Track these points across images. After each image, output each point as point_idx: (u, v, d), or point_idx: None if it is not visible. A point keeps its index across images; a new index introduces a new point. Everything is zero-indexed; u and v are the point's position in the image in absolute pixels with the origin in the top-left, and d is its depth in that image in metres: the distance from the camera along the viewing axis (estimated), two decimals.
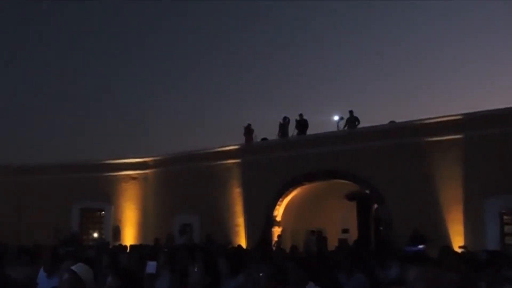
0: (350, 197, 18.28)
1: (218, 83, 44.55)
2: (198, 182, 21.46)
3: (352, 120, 19.33)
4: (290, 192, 19.75)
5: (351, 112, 19.60)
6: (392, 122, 18.32)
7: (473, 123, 15.65)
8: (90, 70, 43.50)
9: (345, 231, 18.83)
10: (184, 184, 21.91)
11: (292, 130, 21.03)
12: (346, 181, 18.17)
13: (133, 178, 24.09)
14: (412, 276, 2.88)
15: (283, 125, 21.17)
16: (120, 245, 18.21)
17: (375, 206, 18.13)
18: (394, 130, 17.54)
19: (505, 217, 14.82)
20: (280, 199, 19.75)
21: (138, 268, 8.32)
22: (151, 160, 23.86)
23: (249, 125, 22.23)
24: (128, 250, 14.43)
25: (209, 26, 44.52)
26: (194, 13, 43.50)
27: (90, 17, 42.21)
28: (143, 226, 23.28)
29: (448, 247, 13.35)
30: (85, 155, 39.99)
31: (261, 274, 5.03)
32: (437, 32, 38.39)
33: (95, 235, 23.83)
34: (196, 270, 6.97)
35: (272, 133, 21.79)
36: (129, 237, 22.98)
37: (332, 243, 18.04)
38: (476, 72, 36.27)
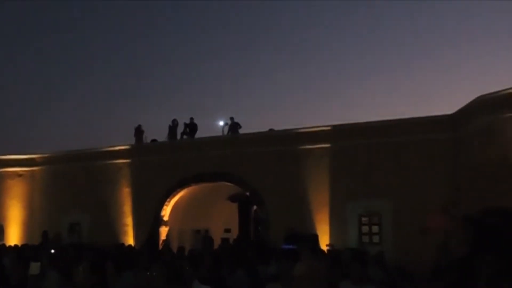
0: (233, 198, 19.48)
1: (111, 83, 44.54)
2: (88, 181, 21.65)
3: (233, 126, 20.67)
4: (178, 192, 20.56)
5: (232, 118, 20.98)
6: (271, 129, 19.81)
7: (340, 134, 17.46)
8: None
9: (227, 230, 19.99)
10: (73, 182, 21.95)
11: (180, 133, 21.96)
12: (229, 184, 19.39)
13: (19, 175, 23.58)
14: (299, 271, 3.18)
15: (172, 128, 22.00)
16: (4, 245, 18.02)
17: (255, 207, 19.51)
18: (272, 137, 18.99)
19: (363, 219, 16.82)
20: (168, 200, 20.50)
21: (21, 269, 8.72)
22: (39, 157, 23.49)
23: (139, 126, 22.70)
24: (12, 251, 14.49)
25: (105, 27, 44.33)
26: (87, 14, 43.10)
27: None
28: (29, 225, 22.84)
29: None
30: None
31: (154, 274, 5.09)
32: (311, 45, 41.84)
33: None
34: (81, 270, 7.41)
35: (161, 135, 22.59)
36: (13, 236, 22.53)
37: (216, 242, 19.17)
38: (344, 86, 40.27)
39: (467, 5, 37.02)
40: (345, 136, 17.31)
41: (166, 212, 20.64)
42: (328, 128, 17.75)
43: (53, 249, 14.16)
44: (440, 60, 39.53)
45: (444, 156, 15.80)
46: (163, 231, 20.38)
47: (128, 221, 20.92)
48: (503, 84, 16.68)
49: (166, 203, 20.53)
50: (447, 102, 40.35)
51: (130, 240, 20.27)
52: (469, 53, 37.89)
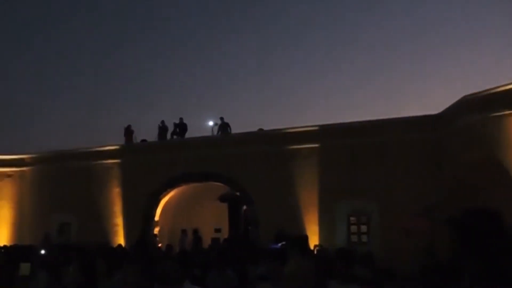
0: (222, 198, 19.52)
1: (101, 84, 44.64)
2: (78, 181, 21.58)
3: (223, 126, 20.75)
4: (168, 192, 20.60)
5: (221, 118, 21.05)
6: (260, 129, 19.83)
7: (327, 134, 17.55)
8: None
9: (217, 230, 20.02)
10: (63, 182, 21.88)
11: (170, 133, 22.02)
12: (219, 183, 19.43)
13: (8, 175, 23.51)
14: (289, 271, 3.45)
15: (162, 128, 22.07)
16: None
17: (245, 207, 19.56)
18: (262, 137, 19.05)
19: (351, 218, 16.93)
20: (158, 199, 20.54)
21: (10, 269, 8.79)
22: (28, 157, 23.43)
23: (129, 126, 22.72)
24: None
25: (96, 28, 44.34)
26: (78, 13, 42.97)
27: None
28: (19, 226, 22.84)
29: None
30: None
31: (130, 273, 5.27)
32: (299, 48, 42.25)
33: None
34: (71, 270, 7.47)
35: (151, 135, 22.61)
36: (2, 237, 22.50)
37: (206, 242, 19.23)
38: (331, 86, 40.81)
39: (451, 5, 38.01)
40: (333, 136, 17.40)
41: (156, 212, 20.64)
42: (316, 128, 17.87)
43: (43, 250, 14.24)
44: (426, 61, 40.21)
45: (428, 157, 15.92)
46: (154, 231, 20.38)
47: (119, 221, 20.89)
48: (487, 84, 16.89)
49: (157, 202, 20.54)
50: (431, 103, 41.28)
51: (120, 240, 20.28)
52: (454, 54, 38.50)
